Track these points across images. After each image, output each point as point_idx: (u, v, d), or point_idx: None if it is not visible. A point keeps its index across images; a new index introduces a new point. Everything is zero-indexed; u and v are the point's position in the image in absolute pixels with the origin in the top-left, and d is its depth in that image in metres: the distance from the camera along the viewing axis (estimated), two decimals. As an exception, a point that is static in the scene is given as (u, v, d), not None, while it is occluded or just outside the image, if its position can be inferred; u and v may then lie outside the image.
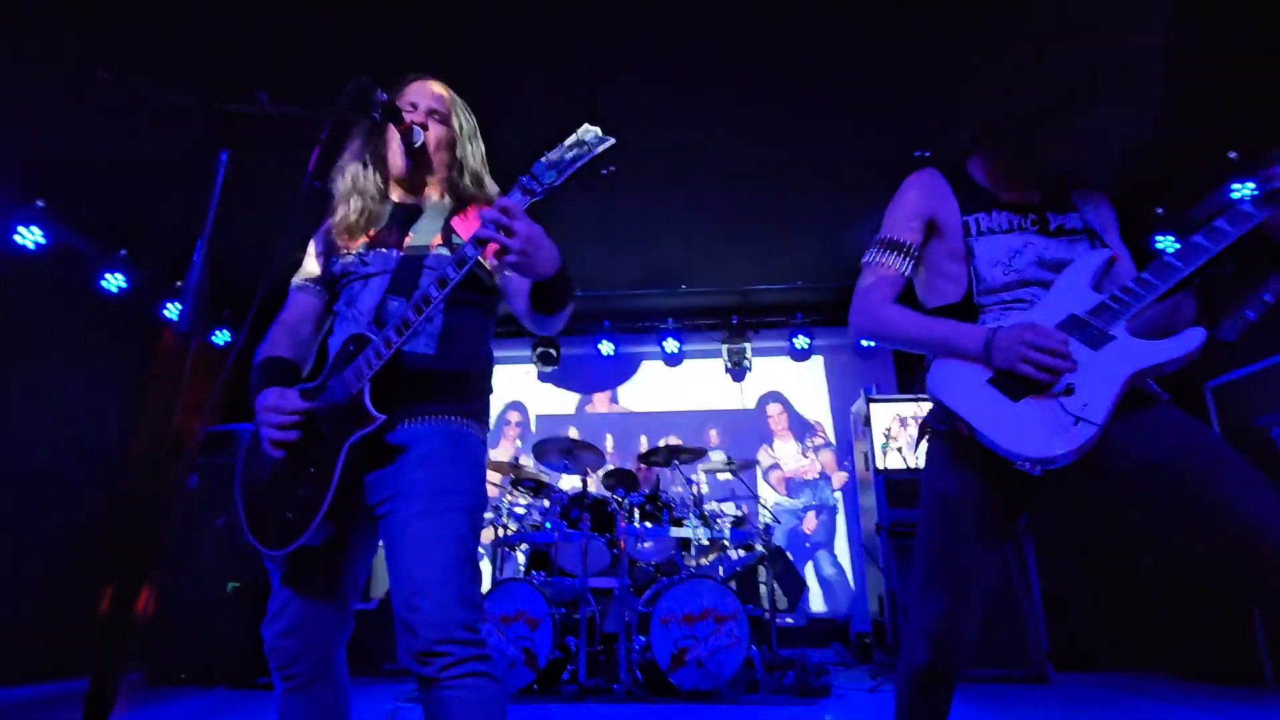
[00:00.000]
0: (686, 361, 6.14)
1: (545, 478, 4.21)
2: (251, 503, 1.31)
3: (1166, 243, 4.01)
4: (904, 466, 4.20)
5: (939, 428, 1.31)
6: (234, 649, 3.79)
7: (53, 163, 3.72)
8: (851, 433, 5.57)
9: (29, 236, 3.97)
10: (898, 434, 4.30)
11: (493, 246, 1.14)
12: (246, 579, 3.94)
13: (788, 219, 4.51)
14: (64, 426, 4.28)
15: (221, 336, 5.45)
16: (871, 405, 4.39)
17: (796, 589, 5.03)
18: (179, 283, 5.01)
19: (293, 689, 1.27)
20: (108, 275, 4.50)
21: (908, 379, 5.71)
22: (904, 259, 1.39)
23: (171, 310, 5.02)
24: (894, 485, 4.14)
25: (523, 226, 1.12)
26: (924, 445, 1.38)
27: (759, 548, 4.09)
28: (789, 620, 4.87)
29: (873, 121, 3.52)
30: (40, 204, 3.97)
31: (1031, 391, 1.18)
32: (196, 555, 3.99)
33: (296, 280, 1.47)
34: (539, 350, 6.03)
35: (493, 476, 4.25)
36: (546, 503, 4.00)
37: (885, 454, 4.26)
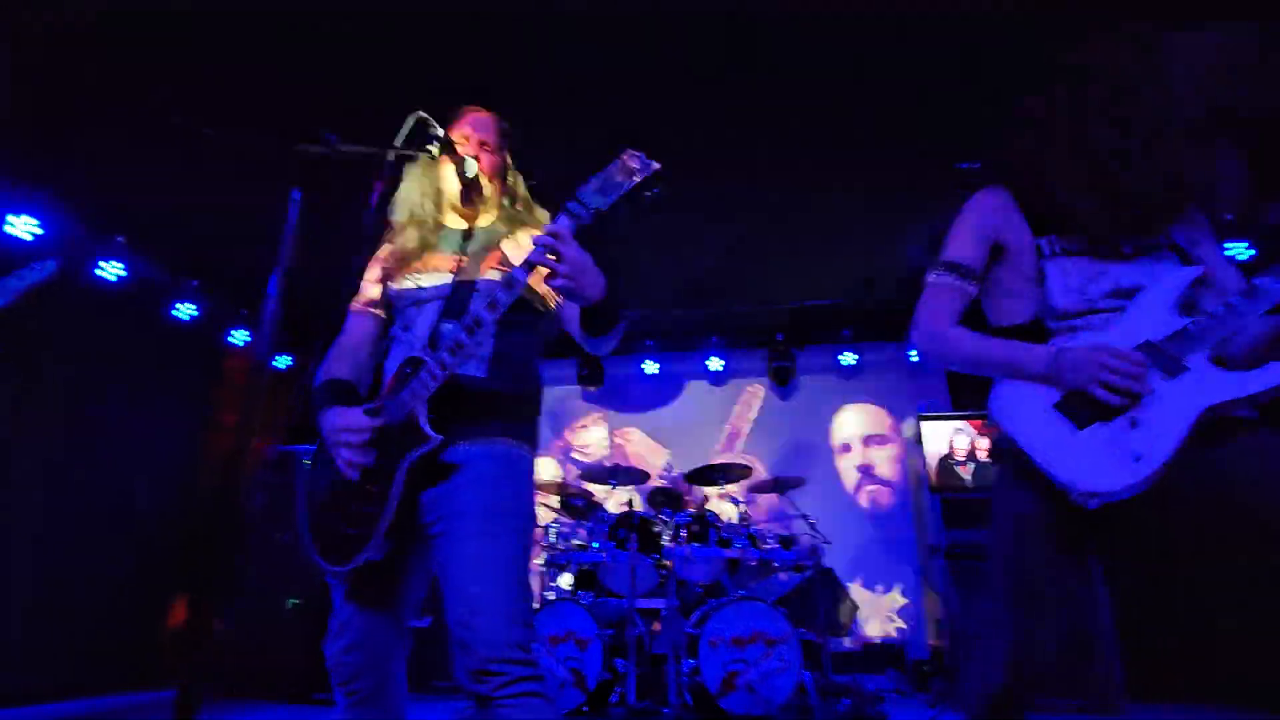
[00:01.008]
0: (731, 380, 6.11)
1: (592, 497, 4.23)
2: (314, 521, 1.36)
3: (1239, 249, 3.83)
4: (961, 485, 4.07)
5: (1006, 448, 1.28)
6: (294, 664, 3.90)
7: (132, 201, 3.99)
8: (904, 452, 5.43)
9: (110, 270, 4.25)
10: (959, 452, 4.17)
11: (543, 270, 1.18)
12: (305, 596, 4.07)
13: (833, 233, 4.46)
14: (139, 447, 4.53)
15: (282, 360, 5.68)
16: (924, 423, 4.27)
17: (849, 612, 4.90)
18: (244, 310, 5.27)
19: (354, 704, 1.31)
20: (179, 305, 4.76)
21: (962, 396, 5.54)
22: (966, 280, 1.35)
23: (236, 336, 5.27)
24: (951, 506, 4.00)
25: (571, 252, 1.15)
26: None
27: (809, 569, 4.00)
28: (843, 645, 4.73)
29: (918, 132, 3.47)
30: (120, 239, 4.25)
31: (1098, 419, 1.13)
32: (258, 572, 4.14)
33: (354, 305, 1.53)
34: (584, 371, 6.10)
35: (540, 496, 4.29)
36: (593, 523, 4.01)
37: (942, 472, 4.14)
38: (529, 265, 1.19)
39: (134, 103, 3.16)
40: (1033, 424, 1.18)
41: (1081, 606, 1.21)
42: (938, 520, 3.97)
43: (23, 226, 3.72)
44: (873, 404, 5.85)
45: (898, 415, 5.69)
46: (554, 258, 1.15)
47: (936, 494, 4.06)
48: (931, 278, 1.39)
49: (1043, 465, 1.13)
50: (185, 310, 4.79)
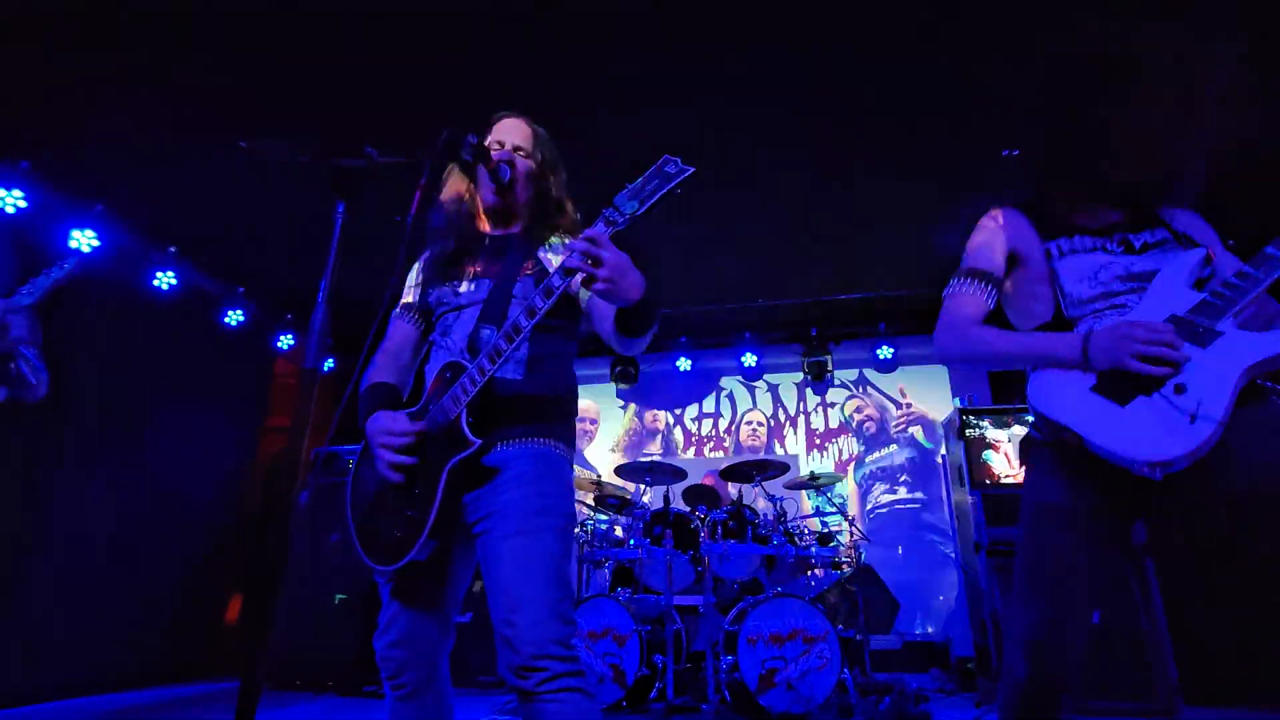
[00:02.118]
0: (765, 376, 6.08)
1: (628, 494, 4.25)
2: (361, 522, 1.41)
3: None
4: (1004, 482, 3.97)
5: (1040, 439, 1.28)
6: (343, 658, 4.03)
7: (183, 213, 4.16)
8: (943, 446, 5.32)
9: (163, 279, 4.43)
10: (998, 445, 4.08)
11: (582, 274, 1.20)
12: (352, 592, 4.19)
13: (868, 225, 4.39)
14: (196, 448, 4.72)
15: (328, 364, 5.85)
16: (965, 417, 4.19)
17: (890, 610, 4.83)
18: (289, 315, 5.44)
19: (402, 698, 1.35)
20: (229, 311, 4.95)
21: (1004, 389, 5.40)
22: (986, 287, 1.41)
23: (283, 341, 5.45)
24: (993, 502, 3.91)
25: (610, 255, 1.16)
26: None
27: (847, 566, 3.96)
28: (884, 643, 4.67)
29: (957, 120, 3.39)
30: (172, 250, 4.43)
31: (1139, 393, 1.14)
32: (307, 569, 4.28)
33: (396, 312, 1.58)
34: (618, 368, 6.13)
35: (576, 493, 4.32)
36: (629, 520, 4.04)
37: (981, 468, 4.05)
38: (566, 271, 1.20)
39: (182, 118, 3.30)
40: (1077, 406, 1.19)
41: (1131, 604, 1.20)
42: (979, 516, 3.89)
43: (84, 239, 3.91)
44: (908, 399, 5.75)
45: (936, 410, 5.59)
46: (592, 262, 1.16)
47: (977, 490, 3.97)
48: (952, 286, 1.45)
49: (1099, 443, 1.13)
50: (234, 316, 4.97)
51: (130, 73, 3.03)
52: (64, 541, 3.81)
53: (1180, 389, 1.12)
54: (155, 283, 4.40)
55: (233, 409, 5.14)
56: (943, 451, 5.32)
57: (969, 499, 4.05)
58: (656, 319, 1.32)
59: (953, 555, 5.11)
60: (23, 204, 3.59)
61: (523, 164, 1.53)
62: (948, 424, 4.72)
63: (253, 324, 5.13)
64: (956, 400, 4.51)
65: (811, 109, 3.36)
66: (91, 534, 3.97)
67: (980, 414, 4.19)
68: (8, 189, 3.54)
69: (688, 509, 4.15)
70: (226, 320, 4.94)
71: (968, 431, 4.14)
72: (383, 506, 1.36)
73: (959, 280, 1.44)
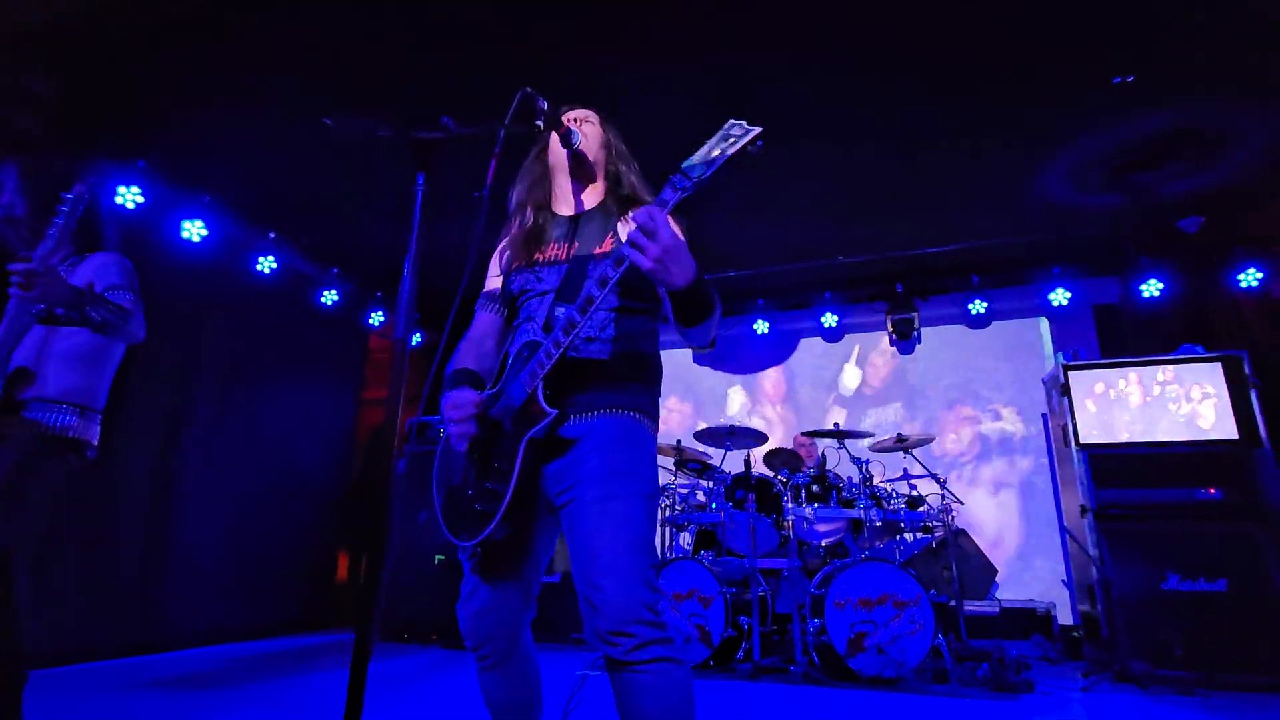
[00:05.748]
0: (848, 336, 5.87)
1: (709, 459, 4.25)
2: (447, 498, 1.46)
3: None
4: (1114, 441, 3.69)
5: None
6: (447, 614, 4.29)
7: (279, 199, 4.40)
8: (1046, 405, 5.00)
9: (265, 263, 4.73)
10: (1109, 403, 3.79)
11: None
12: (450, 554, 4.44)
13: (957, 170, 4.08)
14: (301, 419, 5.09)
15: (415, 338, 6.12)
16: (1070, 373, 3.90)
17: (986, 575, 4.64)
18: (379, 293, 5.70)
19: (488, 668, 1.40)
20: (324, 291, 5.23)
21: (1113, 342, 4.98)
22: None
23: (375, 317, 5.73)
24: (1101, 463, 3.66)
25: (664, 234, 1.12)
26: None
27: (940, 530, 3.83)
28: (980, 609, 4.50)
29: (1057, 46, 3.07)
30: (271, 235, 4.71)
31: None
32: (409, 531, 4.56)
33: (480, 299, 1.60)
34: (694, 333, 6.09)
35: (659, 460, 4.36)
36: (710, 484, 4.05)
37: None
38: (631, 244, 1.18)
39: (273, 107, 3.46)
40: None
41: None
42: (1087, 478, 3.65)
43: (194, 230, 4.21)
44: (1006, 355, 5.42)
45: (1035, 366, 5.24)
46: (647, 237, 1.12)
47: (1084, 450, 3.71)
48: None
49: None
50: (329, 296, 5.25)
51: (224, 65, 3.19)
52: (194, 504, 4.21)
53: None
54: (258, 267, 4.70)
55: (333, 383, 5.49)
56: (1043, 410, 5.00)
57: (1075, 459, 3.79)
58: (710, 312, 1.27)
59: (1056, 518, 4.84)
60: (141, 200, 3.90)
61: (592, 130, 1.52)
62: (1050, 380, 4.42)
63: (347, 302, 5.41)
64: (1059, 355, 4.20)
65: (890, 46, 3.11)
66: (215, 498, 4.36)
67: (1087, 369, 3.89)
68: (127, 186, 3.85)
69: (770, 473, 4.11)
70: (323, 300, 5.23)
71: (1073, 388, 3.86)
72: (467, 484, 1.40)
73: None
